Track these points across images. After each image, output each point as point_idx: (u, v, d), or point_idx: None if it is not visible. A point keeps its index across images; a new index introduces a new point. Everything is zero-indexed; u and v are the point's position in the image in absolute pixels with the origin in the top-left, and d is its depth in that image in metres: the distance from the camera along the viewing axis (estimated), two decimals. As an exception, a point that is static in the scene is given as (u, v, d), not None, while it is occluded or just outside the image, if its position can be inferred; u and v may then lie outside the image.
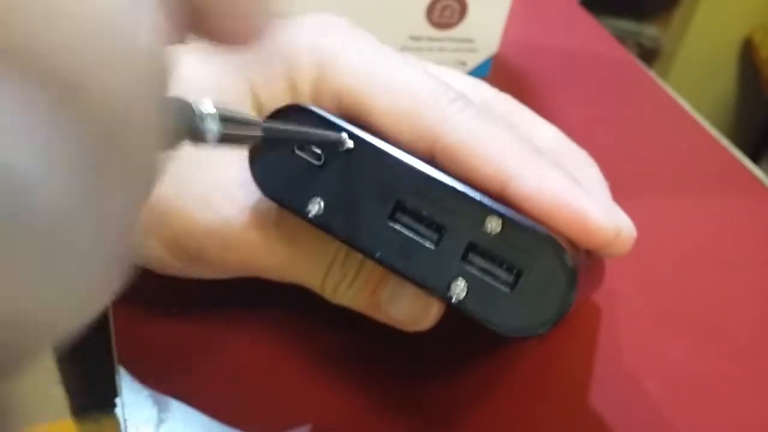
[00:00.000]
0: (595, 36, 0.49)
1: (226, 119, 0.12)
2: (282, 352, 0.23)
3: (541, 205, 0.18)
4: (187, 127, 0.11)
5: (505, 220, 0.17)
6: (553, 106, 0.39)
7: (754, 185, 0.35)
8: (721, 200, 0.33)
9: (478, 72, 0.40)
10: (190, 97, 0.12)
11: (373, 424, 0.21)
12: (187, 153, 0.12)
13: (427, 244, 0.18)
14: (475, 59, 0.39)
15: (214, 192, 0.20)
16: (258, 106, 0.22)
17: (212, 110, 0.12)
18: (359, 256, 0.20)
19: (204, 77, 0.21)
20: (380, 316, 0.21)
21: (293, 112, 0.19)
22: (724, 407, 0.23)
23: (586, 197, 0.18)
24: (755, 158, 0.76)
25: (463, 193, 0.18)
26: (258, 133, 0.14)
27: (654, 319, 0.26)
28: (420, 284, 0.18)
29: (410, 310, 0.20)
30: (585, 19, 0.51)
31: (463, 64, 0.39)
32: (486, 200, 0.17)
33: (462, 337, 0.23)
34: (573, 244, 0.18)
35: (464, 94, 0.21)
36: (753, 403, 0.23)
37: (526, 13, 0.44)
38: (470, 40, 0.39)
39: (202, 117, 0.12)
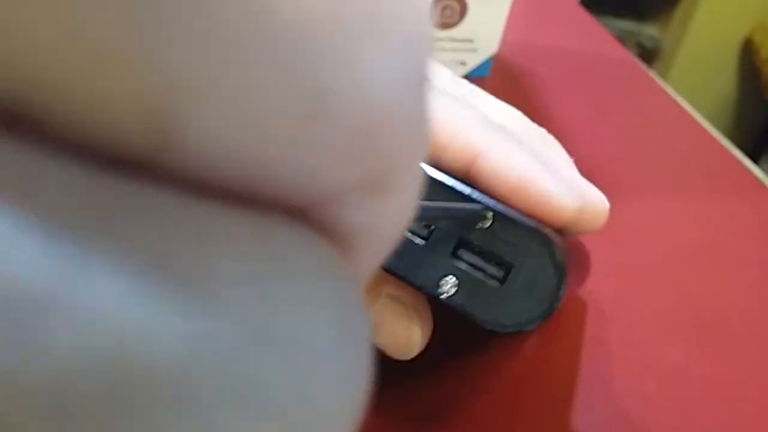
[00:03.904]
0: (595, 36, 0.49)
1: None
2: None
3: (508, 182, 0.19)
4: None
5: (495, 215, 0.17)
6: (553, 106, 0.39)
7: (754, 185, 0.35)
8: (721, 200, 0.33)
9: (478, 72, 0.40)
10: None
11: (365, 423, 0.21)
12: None
13: (417, 241, 0.18)
14: (475, 59, 0.39)
15: None
16: None
17: None
18: None
19: None
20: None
21: None
22: (722, 408, 0.23)
23: (549, 176, 0.19)
24: (755, 158, 0.76)
25: (452, 188, 0.18)
26: None
27: (653, 319, 0.26)
28: (410, 282, 0.18)
29: (392, 343, 0.20)
30: (585, 19, 0.51)
31: (463, 64, 0.39)
32: (476, 195, 0.17)
33: (451, 336, 0.23)
34: (550, 225, 0.19)
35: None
36: (752, 404, 0.23)
37: (526, 13, 0.44)
38: (470, 40, 0.39)
39: None
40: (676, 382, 0.24)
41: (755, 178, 0.35)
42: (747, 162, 0.37)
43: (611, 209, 0.22)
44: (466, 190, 0.18)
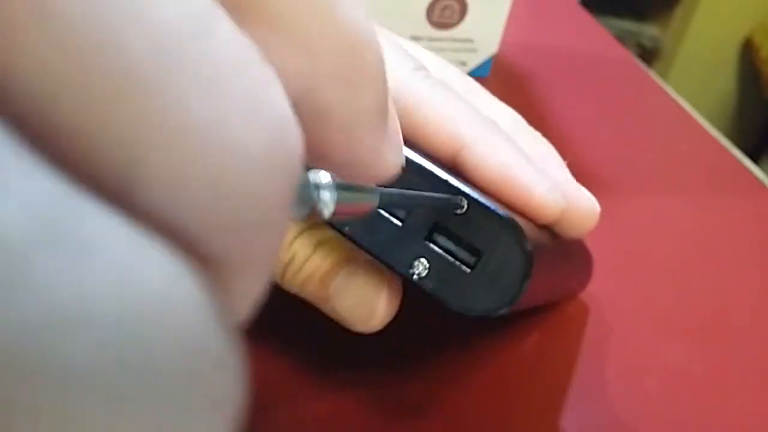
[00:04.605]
0: (595, 36, 0.49)
1: (341, 188, 0.11)
2: (259, 352, 0.23)
3: (491, 175, 0.19)
4: (301, 198, 0.11)
5: (470, 202, 0.17)
6: (553, 107, 0.39)
7: (754, 185, 0.35)
8: (721, 200, 0.33)
9: (478, 72, 0.40)
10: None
11: (355, 418, 0.21)
12: None
13: (394, 221, 0.18)
14: (475, 59, 0.39)
15: None
16: None
17: (328, 179, 0.11)
18: (308, 241, 0.20)
19: None
20: (328, 309, 0.20)
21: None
22: (723, 408, 0.23)
23: (533, 173, 0.19)
24: (755, 158, 0.76)
25: (430, 172, 0.18)
26: (375, 200, 0.13)
27: (653, 319, 0.26)
28: (383, 260, 0.18)
29: (356, 308, 0.20)
30: (585, 19, 0.51)
31: (463, 64, 0.39)
32: (452, 180, 0.18)
33: (449, 337, 0.23)
34: (534, 222, 0.19)
35: (425, 67, 0.21)
36: (752, 404, 0.23)
37: (526, 13, 0.44)
38: (470, 40, 0.39)
39: (317, 186, 0.11)
40: (676, 382, 0.24)
41: (755, 178, 0.35)
42: (747, 162, 0.37)
43: (611, 209, 0.22)
44: (444, 175, 0.18)
